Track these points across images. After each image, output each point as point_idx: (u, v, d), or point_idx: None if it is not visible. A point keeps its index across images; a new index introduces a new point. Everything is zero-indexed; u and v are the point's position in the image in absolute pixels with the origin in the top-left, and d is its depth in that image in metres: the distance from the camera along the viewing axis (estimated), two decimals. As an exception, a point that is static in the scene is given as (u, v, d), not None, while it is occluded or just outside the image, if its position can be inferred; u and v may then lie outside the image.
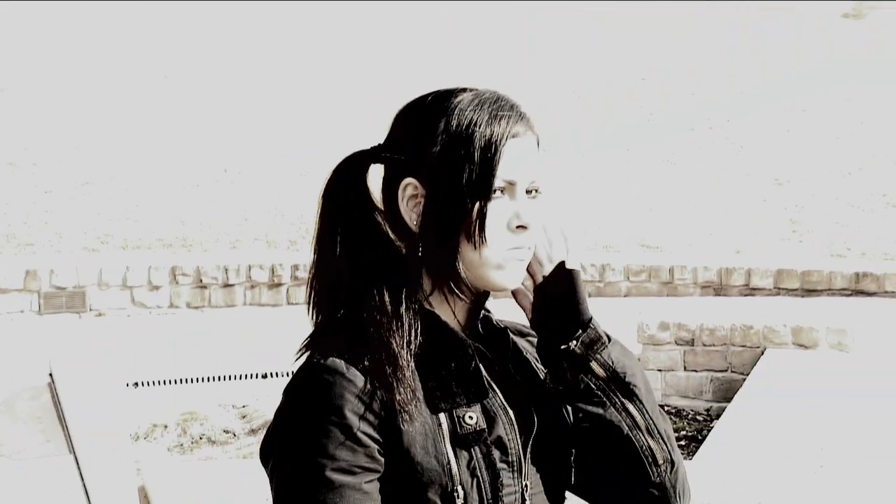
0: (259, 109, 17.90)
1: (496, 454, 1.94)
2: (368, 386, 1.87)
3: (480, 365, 1.99)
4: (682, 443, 9.31)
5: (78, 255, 13.61)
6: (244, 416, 9.76)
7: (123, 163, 15.92)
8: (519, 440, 2.00)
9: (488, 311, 2.12)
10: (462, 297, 2.01)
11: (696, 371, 10.23)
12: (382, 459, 1.89)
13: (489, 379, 2.00)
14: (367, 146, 2.08)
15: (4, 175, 15.51)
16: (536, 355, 2.16)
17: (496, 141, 1.94)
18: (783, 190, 15.68)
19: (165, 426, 9.51)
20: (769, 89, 19.57)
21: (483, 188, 1.93)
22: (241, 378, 10.12)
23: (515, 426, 1.98)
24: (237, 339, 11.19)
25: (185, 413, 9.58)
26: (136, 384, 9.85)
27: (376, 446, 1.87)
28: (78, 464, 6.71)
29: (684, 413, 10.02)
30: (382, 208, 2.04)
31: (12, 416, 6.78)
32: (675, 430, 9.59)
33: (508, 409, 1.98)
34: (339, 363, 1.88)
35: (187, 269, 12.94)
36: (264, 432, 1.97)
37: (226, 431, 9.52)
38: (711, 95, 19.30)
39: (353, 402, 1.86)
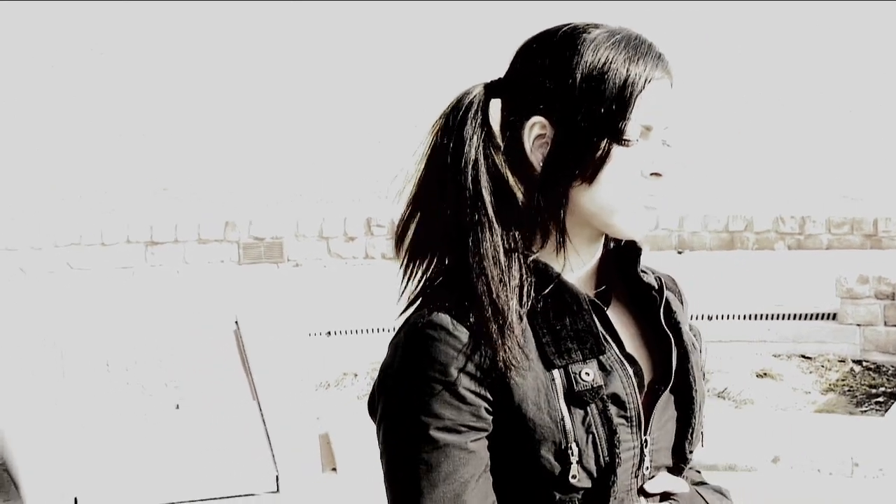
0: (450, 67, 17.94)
1: (613, 410, 1.82)
2: (474, 342, 1.77)
3: (597, 319, 1.90)
4: (881, 399, 9.01)
5: (276, 206, 13.88)
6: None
7: (322, 121, 16.15)
8: (638, 395, 1.89)
9: (639, 256, 2.03)
10: (579, 247, 1.92)
11: (896, 326, 9.90)
12: (490, 418, 1.79)
13: (605, 334, 1.90)
14: (487, 79, 1.98)
15: (218, 125, 15.90)
16: (677, 309, 2.07)
17: (633, 81, 1.82)
18: None
19: (356, 374, 9.64)
20: None
21: (616, 127, 1.81)
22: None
23: (634, 381, 1.86)
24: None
25: (375, 362, 9.69)
26: (329, 333, 9.98)
27: (483, 404, 1.78)
28: (261, 410, 6.83)
29: (884, 369, 9.69)
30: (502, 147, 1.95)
31: (198, 362, 6.93)
32: (874, 387, 9.29)
33: (626, 363, 1.86)
34: (445, 318, 1.79)
35: (382, 221, 13.06)
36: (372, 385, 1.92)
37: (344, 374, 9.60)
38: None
39: (458, 360, 1.77)
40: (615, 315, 1.97)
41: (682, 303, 2.12)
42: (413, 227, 1.95)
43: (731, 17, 19.71)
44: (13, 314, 9.42)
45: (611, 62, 1.84)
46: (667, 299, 2.01)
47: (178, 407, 6.73)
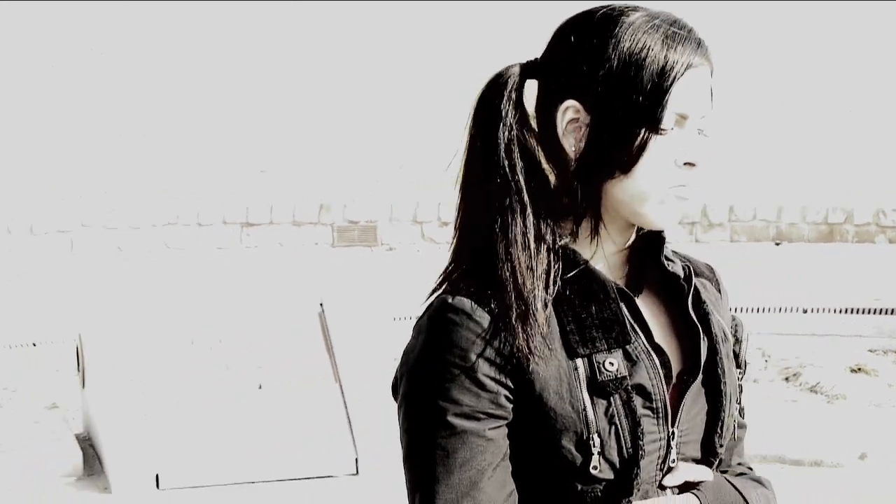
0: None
1: (638, 401, 1.79)
2: (495, 328, 1.74)
3: (624, 308, 1.85)
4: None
5: (371, 190, 13.94)
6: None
7: (419, 104, 16.18)
8: (664, 386, 1.84)
9: (666, 244, 1.98)
10: (611, 235, 1.88)
11: None
12: (510, 406, 1.76)
13: (634, 323, 1.86)
14: (524, 60, 1.90)
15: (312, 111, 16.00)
16: (711, 298, 2.02)
17: (671, 68, 1.78)
18: None
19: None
20: None
21: (653, 116, 1.77)
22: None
23: (661, 372, 1.82)
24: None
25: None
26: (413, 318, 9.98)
27: (503, 391, 1.75)
28: (343, 393, 6.85)
29: None
30: (536, 129, 1.91)
31: (282, 343, 6.97)
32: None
33: (653, 353, 1.82)
34: (467, 303, 1.75)
35: (475, 206, 13.03)
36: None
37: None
38: None
39: (478, 345, 1.73)
40: (645, 304, 1.93)
41: (719, 292, 2.07)
42: (460, 209, 1.93)
43: None
44: (109, 292, 9.57)
45: (649, 48, 1.79)
46: (696, 288, 1.97)
47: (260, 387, 6.78)
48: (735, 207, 13.23)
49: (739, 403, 2.11)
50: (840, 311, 10.58)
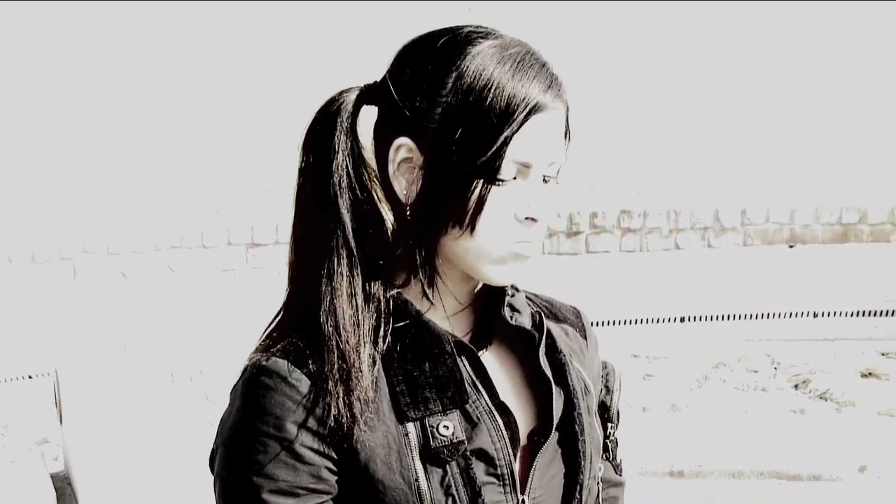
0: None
1: (479, 467, 1.62)
2: (315, 392, 1.57)
3: (465, 364, 1.68)
4: None
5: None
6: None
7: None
8: (510, 449, 1.66)
9: (516, 291, 1.80)
10: (449, 286, 1.70)
11: None
12: (334, 479, 1.59)
13: (476, 380, 1.68)
14: (360, 83, 1.70)
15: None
16: (573, 347, 1.85)
17: (515, 110, 1.57)
18: None
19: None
20: None
21: (491, 166, 1.58)
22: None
23: (505, 433, 1.65)
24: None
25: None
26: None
27: (325, 463, 1.58)
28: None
29: None
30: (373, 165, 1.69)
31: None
32: None
33: (496, 413, 1.65)
34: (282, 365, 1.58)
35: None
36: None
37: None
38: None
39: (295, 412, 1.57)
40: (493, 359, 1.75)
41: (585, 339, 1.90)
42: (293, 255, 1.76)
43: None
44: (101, 321, 9.47)
45: (493, 86, 1.58)
46: (552, 338, 1.80)
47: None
48: (748, 211, 13.03)
49: (613, 460, 1.94)
50: (851, 315, 10.36)
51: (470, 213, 1.60)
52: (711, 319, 10.97)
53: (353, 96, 1.69)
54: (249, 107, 16.00)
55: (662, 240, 12.38)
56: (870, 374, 9.27)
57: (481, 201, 1.59)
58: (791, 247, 13.44)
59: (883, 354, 9.71)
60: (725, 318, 11.04)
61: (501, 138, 1.57)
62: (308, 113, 1.70)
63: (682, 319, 11.01)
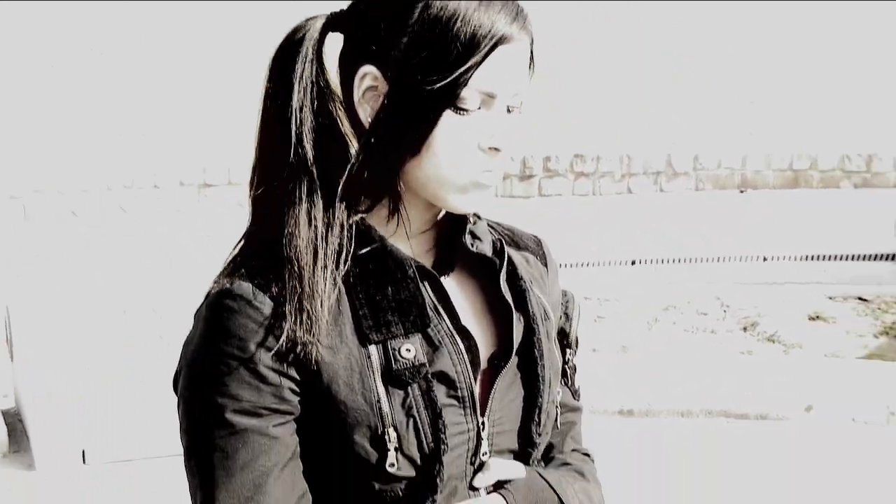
0: None
1: (440, 390, 1.63)
2: (279, 315, 1.58)
3: (427, 289, 1.70)
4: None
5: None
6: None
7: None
8: (471, 372, 1.68)
9: (477, 219, 1.81)
10: (412, 213, 1.71)
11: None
12: (296, 400, 1.59)
13: (438, 305, 1.70)
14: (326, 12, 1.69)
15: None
16: (534, 274, 1.87)
17: (480, 42, 1.58)
18: None
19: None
20: None
21: (453, 94, 1.58)
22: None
23: (466, 357, 1.66)
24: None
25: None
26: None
27: (288, 384, 1.59)
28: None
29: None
30: (338, 91, 1.68)
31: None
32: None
33: (457, 337, 1.66)
34: (247, 288, 1.58)
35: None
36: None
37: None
38: None
39: (258, 334, 1.57)
40: (455, 284, 1.76)
41: (546, 266, 1.92)
42: (255, 178, 1.75)
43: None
44: (51, 260, 9.42)
45: (458, 17, 1.58)
46: (513, 265, 1.81)
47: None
48: (700, 156, 13.10)
49: (571, 386, 1.96)
50: (800, 259, 10.46)
51: (425, 137, 1.61)
52: (662, 262, 11.05)
53: (318, 24, 1.68)
54: (205, 50, 15.91)
55: (615, 184, 12.43)
56: (817, 317, 9.39)
57: (441, 127, 1.60)
58: (742, 192, 13.52)
59: (830, 298, 9.83)
60: (676, 261, 11.12)
61: (465, 66, 1.58)
62: (261, 51, 1.70)
63: (633, 262, 11.08)
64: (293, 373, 1.60)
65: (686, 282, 10.74)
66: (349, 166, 1.66)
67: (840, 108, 13.92)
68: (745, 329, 9.25)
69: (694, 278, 10.89)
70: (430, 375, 1.64)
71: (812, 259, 10.33)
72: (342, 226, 1.65)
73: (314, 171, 1.65)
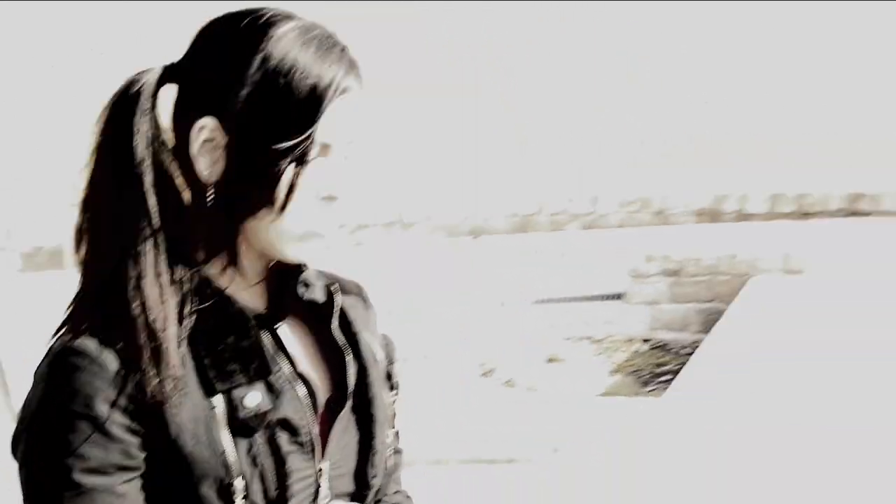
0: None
1: (283, 436, 1.65)
2: (124, 371, 1.56)
3: (266, 336, 1.71)
4: (668, 377, 9.08)
5: (60, 213, 13.46)
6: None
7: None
8: (312, 418, 1.71)
9: (306, 266, 1.83)
10: (247, 263, 1.72)
11: (682, 303, 9.98)
12: (143, 455, 1.60)
13: (275, 351, 1.71)
14: (158, 65, 1.69)
15: None
16: (362, 318, 1.90)
17: (321, 94, 1.61)
18: (790, 116, 15.34)
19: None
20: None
21: (300, 150, 1.61)
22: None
23: (307, 402, 1.69)
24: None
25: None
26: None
27: (135, 440, 1.57)
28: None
29: (669, 347, 9.79)
30: (171, 143, 1.67)
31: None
32: (660, 365, 9.36)
33: (297, 383, 1.68)
34: (90, 344, 1.56)
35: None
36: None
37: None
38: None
39: (105, 391, 1.55)
40: (289, 332, 1.77)
41: (368, 311, 1.96)
42: (85, 234, 1.72)
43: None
44: None
45: (299, 69, 1.60)
46: (344, 310, 1.85)
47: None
48: (433, 205, 13.36)
49: (393, 428, 2.00)
50: (535, 302, 10.76)
51: (282, 195, 1.62)
52: (393, 313, 11.18)
53: (153, 76, 1.68)
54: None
55: (348, 236, 12.54)
56: (554, 359, 9.66)
57: (293, 183, 1.62)
58: (475, 237, 13.84)
59: (566, 339, 10.12)
60: (410, 309, 11.27)
61: (309, 121, 1.61)
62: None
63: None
64: (140, 429, 1.59)
65: (423, 331, 10.89)
66: (190, 220, 1.67)
67: (561, 152, 14.43)
68: (484, 375, 9.44)
69: (431, 326, 11.06)
70: (273, 423, 1.65)
71: (547, 302, 10.63)
72: (183, 279, 1.65)
73: (157, 225, 1.65)
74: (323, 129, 1.64)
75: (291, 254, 1.70)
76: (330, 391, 1.79)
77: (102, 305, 1.63)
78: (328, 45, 1.66)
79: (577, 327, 10.24)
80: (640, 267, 10.06)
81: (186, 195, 1.67)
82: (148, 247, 1.63)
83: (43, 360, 1.62)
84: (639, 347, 9.83)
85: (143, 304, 1.60)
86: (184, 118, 1.67)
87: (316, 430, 1.73)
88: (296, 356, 1.74)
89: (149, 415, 1.59)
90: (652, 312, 10.05)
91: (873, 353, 7.71)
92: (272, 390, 1.67)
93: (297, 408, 1.69)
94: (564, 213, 13.13)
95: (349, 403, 1.78)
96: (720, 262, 9.86)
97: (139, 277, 1.61)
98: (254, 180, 1.64)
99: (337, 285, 1.90)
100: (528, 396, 8.83)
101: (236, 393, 1.64)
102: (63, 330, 1.64)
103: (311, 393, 1.73)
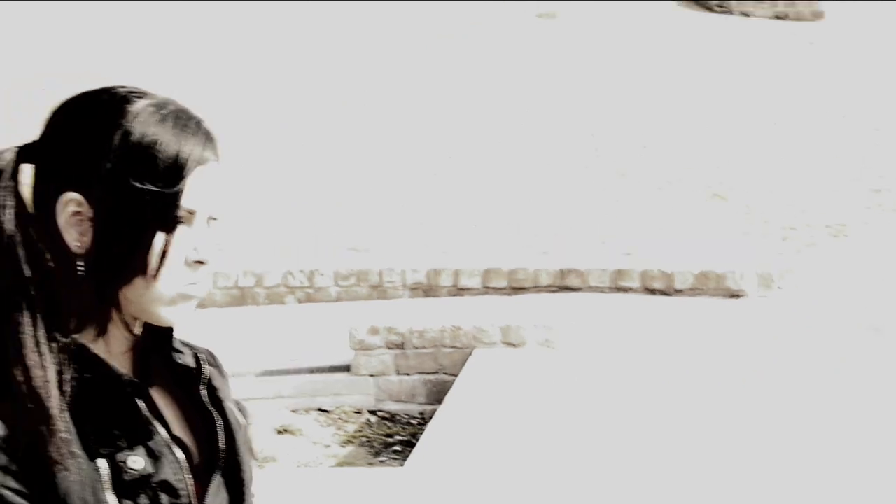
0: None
1: (165, 498, 1.74)
2: (11, 436, 1.62)
3: (142, 402, 1.77)
4: (398, 448, 9.25)
5: None
6: None
7: None
8: (189, 480, 1.78)
9: (171, 332, 1.90)
10: (118, 330, 1.79)
11: (408, 374, 10.18)
12: None
13: (151, 417, 1.77)
14: (17, 142, 1.79)
15: None
16: (222, 384, 1.97)
17: (182, 165, 1.72)
18: (494, 191, 15.88)
19: None
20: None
21: (167, 218, 1.71)
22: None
23: (185, 465, 1.78)
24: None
25: None
26: None
27: (24, 503, 1.62)
28: None
29: (398, 417, 9.96)
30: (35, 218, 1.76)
31: None
32: (390, 435, 9.52)
33: (174, 447, 1.78)
34: None
35: None
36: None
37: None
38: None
39: None
40: (158, 396, 1.87)
41: (223, 377, 2.06)
42: None
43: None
44: None
45: (159, 142, 1.72)
46: (209, 376, 1.95)
47: None
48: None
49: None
50: (260, 375, 10.75)
51: (155, 261, 1.71)
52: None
53: (11, 155, 1.76)
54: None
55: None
56: (285, 430, 9.68)
57: (163, 252, 1.71)
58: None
59: (294, 411, 10.16)
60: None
61: (174, 191, 1.70)
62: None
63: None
64: (28, 492, 1.64)
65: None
66: (62, 290, 1.73)
67: (282, 226, 14.50)
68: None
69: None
70: (155, 485, 1.73)
71: (272, 374, 10.63)
72: (59, 346, 1.72)
73: (32, 296, 1.72)
74: (186, 198, 1.75)
75: (163, 316, 1.81)
76: (199, 455, 1.89)
77: None
78: (184, 119, 1.80)
79: (305, 399, 10.29)
80: (366, 339, 10.22)
81: (54, 268, 1.76)
82: (25, 318, 1.72)
83: None
84: (368, 418, 9.98)
85: (24, 372, 1.69)
86: (46, 194, 1.77)
87: (193, 492, 1.82)
88: (169, 420, 1.84)
89: (36, 478, 1.66)
90: (379, 384, 10.21)
91: (599, 421, 8.10)
92: (151, 454, 1.77)
93: (175, 471, 1.80)
94: (282, 286, 13.17)
95: (220, 466, 1.88)
96: (443, 335, 10.13)
97: (18, 348, 1.70)
98: (126, 249, 1.74)
99: (204, 353, 2.01)
100: (262, 468, 8.82)
101: (119, 456, 1.74)
102: None
103: (189, 457, 1.83)
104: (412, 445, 8.89)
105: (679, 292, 12.40)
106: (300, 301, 13.17)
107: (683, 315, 11.47)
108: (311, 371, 10.52)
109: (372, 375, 10.22)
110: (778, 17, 25.21)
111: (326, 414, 10.07)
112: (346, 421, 9.90)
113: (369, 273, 13.03)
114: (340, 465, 8.92)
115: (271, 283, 13.24)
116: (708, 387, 8.95)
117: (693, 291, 12.38)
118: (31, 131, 1.84)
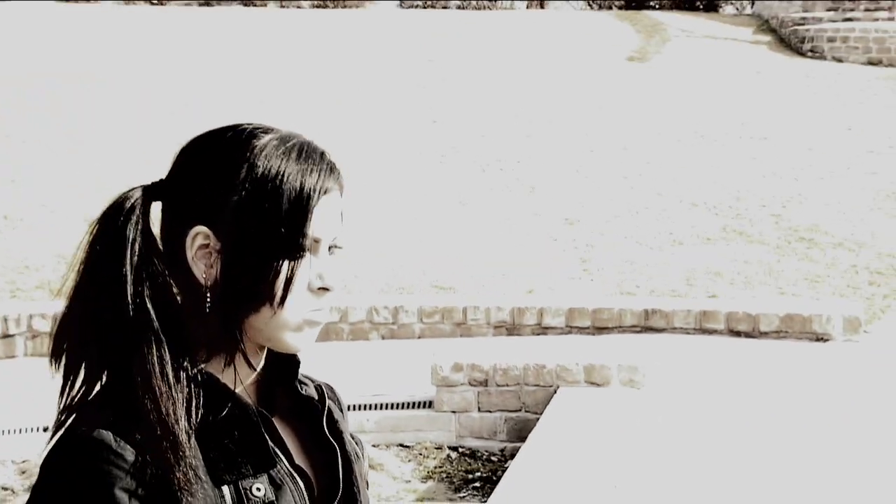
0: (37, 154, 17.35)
1: None
2: (141, 461, 1.67)
3: (265, 432, 1.82)
4: (478, 484, 9.24)
5: None
6: (24, 472, 9.33)
7: None
8: None
9: (297, 371, 1.97)
10: (245, 359, 1.84)
11: (490, 412, 10.18)
12: None
13: (275, 447, 1.82)
14: (148, 181, 1.86)
15: None
16: (341, 418, 2.03)
17: (307, 196, 1.77)
18: (573, 229, 15.85)
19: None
20: (557, 131, 19.84)
21: (293, 247, 1.77)
22: (19, 432, 9.67)
23: (305, 494, 1.83)
24: (17, 391, 10.72)
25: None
26: None
27: None
28: None
29: (479, 454, 9.95)
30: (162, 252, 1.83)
31: None
32: (470, 472, 9.52)
33: (296, 476, 1.83)
34: (107, 435, 1.67)
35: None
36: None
37: (4, 489, 9.10)
38: (502, 137, 19.45)
39: (123, 480, 1.65)
40: (280, 426, 1.92)
41: (342, 411, 2.11)
42: (71, 336, 1.82)
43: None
44: None
45: (284, 174, 1.77)
46: (330, 409, 1.99)
47: None
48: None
49: None
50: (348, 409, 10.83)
51: (280, 289, 1.76)
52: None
53: (139, 192, 1.83)
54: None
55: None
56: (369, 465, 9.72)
57: (289, 279, 1.76)
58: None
59: (375, 446, 10.19)
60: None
61: (302, 219, 1.74)
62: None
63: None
64: None
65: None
66: (190, 322, 1.79)
67: (369, 259, 14.57)
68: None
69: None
70: None
71: (355, 409, 10.69)
72: (188, 376, 1.77)
73: (159, 329, 1.77)
74: (311, 227, 1.80)
75: (290, 342, 1.87)
76: (321, 485, 1.94)
77: (110, 401, 1.74)
78: (307, 152, 1.85)
79: (387, 434, 10.32)
80: (450, 376, 10.24)
81: (182, 302, 1.82)
82: (152, 350, 1.78)
83: (55, 452, 1.73)
84: (448, 454, 9.99)
85: (155, 402, 1.74)
86: (175, 229, 1.82)
87: None
88: (291, 450, 1.89)
89: (164, 503, 1.70)
90: (460, 420, 10.22)
91: (686, 463, 8.03)
92: (273, 483, 1.82)
93: (296, 500, 1.84)
94: (366, 321, 13.24)
95: (339, 497, 1.93)
96: (527, 373, 10.12)
97: (148, 378, 1.75)
98: (253, 279, 1.79)
99: (325, 387, 2.07)
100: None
101: (243, 483, 1.78)
102: (72, 423, 1.75)
103: (309, 486, 1.88)
104: (492, 482, 8.88)
105: (764, 335, 12.30)
106: (384, 337, 13.22)
107: (768, 358, 11.38)
108: (394, 406, 10.56)
109: (454, 412, 10.23)
110: (871, 63, 24.99)
111: (407, 449, 10.09)
112: (426, 456, 9.92)
113: (454, 310, 13.05)
114: (420, 500, 8.93)
115: (356, 318, 13.31)
116: (793, 431, 8.86)
117: (778, 334, 12.28)
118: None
